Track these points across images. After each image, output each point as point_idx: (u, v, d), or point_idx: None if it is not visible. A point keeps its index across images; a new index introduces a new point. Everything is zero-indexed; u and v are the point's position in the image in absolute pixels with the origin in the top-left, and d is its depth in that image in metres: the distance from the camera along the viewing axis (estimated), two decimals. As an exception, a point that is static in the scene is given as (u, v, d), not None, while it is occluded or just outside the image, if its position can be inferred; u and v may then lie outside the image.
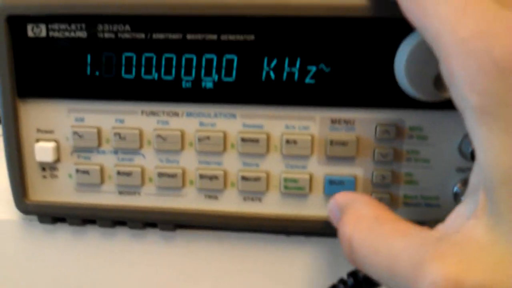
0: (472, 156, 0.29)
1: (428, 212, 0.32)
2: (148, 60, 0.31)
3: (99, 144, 0.33)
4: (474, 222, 0.21)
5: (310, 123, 0.31)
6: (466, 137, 0.30)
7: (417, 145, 0.31)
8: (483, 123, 0.20)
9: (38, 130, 0.33)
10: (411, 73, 0.27)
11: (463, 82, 0.20)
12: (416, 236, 0.23)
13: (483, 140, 0.20)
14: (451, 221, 0.22)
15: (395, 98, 0.30)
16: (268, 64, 0.30)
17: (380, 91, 0.30)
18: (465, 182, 0.31)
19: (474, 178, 0.23)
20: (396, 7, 0.25)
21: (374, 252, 0.23)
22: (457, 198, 0.31)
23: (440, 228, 0.23)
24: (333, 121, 0.31)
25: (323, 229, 0.32)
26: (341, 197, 0.28)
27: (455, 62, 0.21)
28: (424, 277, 0.20)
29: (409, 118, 0.30)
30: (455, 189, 0.31)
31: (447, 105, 0.28)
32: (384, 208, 0.26)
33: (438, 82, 0.27)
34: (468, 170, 0.31)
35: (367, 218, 0.25)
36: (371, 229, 0.24)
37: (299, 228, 0.33)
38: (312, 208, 0.32)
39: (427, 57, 0.27)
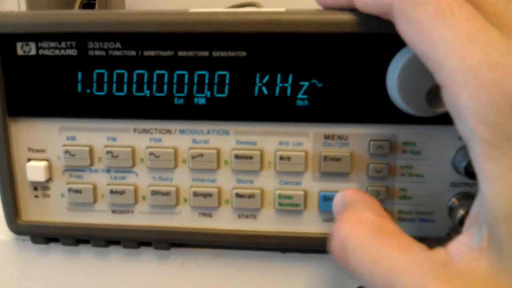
0: (466, 171, 0.28)
1: (422, 227, 0.30)
2: (140, 77, 0.29)
3: (91, 163, 0.31)
4: (478, 255, 0.20)
5: (304, 139, 0.29)
6: (459, 152, 0.29)
7: (411, 160, 0.29)
8: (490, 157, 0.19)
9: (30, 149, 0.31)
10: (403, 88, 0.26)
11: (470, 113, 0.19)
12: (419, 254, 0.21)
13: (489, 174, 0.19)
14: (455, 249, 0.21)
15: (388, 114, 0.28)
16: (261, 80, 0.28)
17: (373, 107, 0.28)
18: (459, 197, 0.30)
19: (476, 208, 0.21)
20: (388, 23, 0.24)
21: (372, 261, 0.22)
22: (451, 213, 0.30)
23: (443, 252, 0.21)
24: (327, 137, 0.29)
25: (319, 246, 0.30)
26: (349, 193, 0.27)
27: (462, 91, 0.19)
28: None
29: (402, 133, 0.29)
30: (449, 203, 0.29)
31: (440, 120, 0.27)
32: (387, 217, 0.25)
33: (430, 97, 0.26)
34: (462, 184, 0.29)
35: (369, 223, 0.24)
36: (372, 236, 0.23)
37: (294, 244, 0.31)
38: (307, 224, 0.31)
39: (418, 72, 0.25)
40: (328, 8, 0.28)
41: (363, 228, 0.23)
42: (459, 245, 0.21)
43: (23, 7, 0.52)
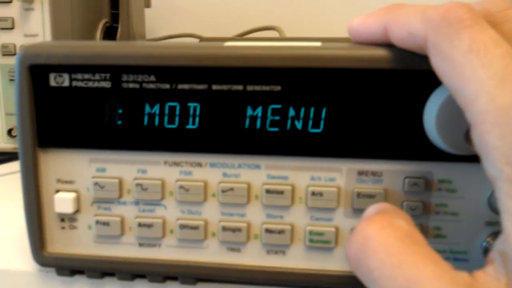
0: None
1: (456, 266, 0.28)
2: (172, 109, 0.29)
3: (120, 195, 0.31)
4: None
5: (337, 175, 0.29)
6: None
7: (446, 198, 0.29)
8: None
9: (58, 180, 0.31)
10: (441, 126, 0.26)
11: (498, 153, 0.19)
12: (447, 270, 0.21)
13: None
14: (481, 277, 0.21)
15: (424, 151, 0.28)
16: (294, 115, 0.28)
17: (408, 143, 0.28)
18: (494, 236, 0.29)
19: (501, 244, 0.21)
20: (425, 60, 0.24)
21: (397, 265, 0.21)
22: (486, 253, 0.29)
23: (468, 276, 0.21)
24: (360, 173, 0.29)
25: (349, 284, 0.30)
26: (384, 203, 0.26)
27: (490, 130, 0.19)
28: None
29: (438, 170, 0.28)
30: (484, 243, 0.29)
31: (477, 158, 0.26)
32: (419, 231, 0.24)
33: (469, 135, 0.26)
34: (497, 224, 0.29)
35: (399, 229, 0.23)
36: (401, 240, 0.22)
37: (324, 282, 0.30)
38: (338, 262, 0.30)
39: (458, 110, 0.25)
40: (362, 43, 0.28)
41: (392, 231, 0.23)
42: (485, 274, 0.21)
43: (47, 31, 0.53)
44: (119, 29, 0.59)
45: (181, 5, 0.82)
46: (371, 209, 0.26)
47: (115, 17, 0.60)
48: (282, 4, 0.80)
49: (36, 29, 0.53)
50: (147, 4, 0.70)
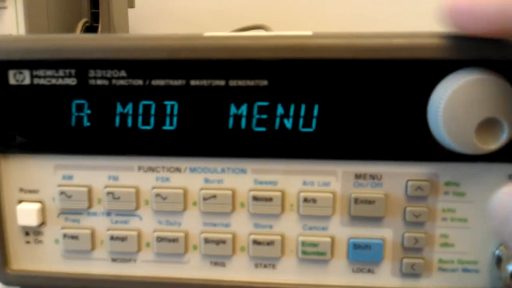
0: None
1: (466, 278, 0.27)
2: (146, 108, 0.26)
3: (90, 205, 0.28)
4: None
5: (331, 179, 0.27)
6: (508, 193, 0.26)
7: (454, 203, 0.27)
8: None
9: (21, 190, 0.29)
10: (449, 122, 0.24)
11: None
12: None
13: None
14: None
15: (429, 150, 0.26)
16: (283, 112, 0.26)
17: (411, 142, 0.26)
18: (508, 244, 0.27)
19: None
20: (432, 48, 0.21)
21: None
22: (499, 263, 0.27)
23: None
24: (358, 176, 0.27)
25: (347, 300, 0.28)
26: None
27: None
28: None
29: (444, 172, 0.26)
30: (497, 252, 0.27)
31: (487, 157, 0.25)
32: None
33: (480, 132, 0.23)
34: None
35: None
36: None
37: (319, 298, 0.28)
38: (334, 275, 0.28)
39: (467, 104, 0.23)
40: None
41: None
42: None
43: (22, 31, 0.50)
44: (100, 29, 0.57)
45: (166, 6, 0.81)
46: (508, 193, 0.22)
47: (95, 17, 0.58)
48: (270, 4, 0.78)
49: (9, 29, 0.50)
50: (131, 5, 0.69)
